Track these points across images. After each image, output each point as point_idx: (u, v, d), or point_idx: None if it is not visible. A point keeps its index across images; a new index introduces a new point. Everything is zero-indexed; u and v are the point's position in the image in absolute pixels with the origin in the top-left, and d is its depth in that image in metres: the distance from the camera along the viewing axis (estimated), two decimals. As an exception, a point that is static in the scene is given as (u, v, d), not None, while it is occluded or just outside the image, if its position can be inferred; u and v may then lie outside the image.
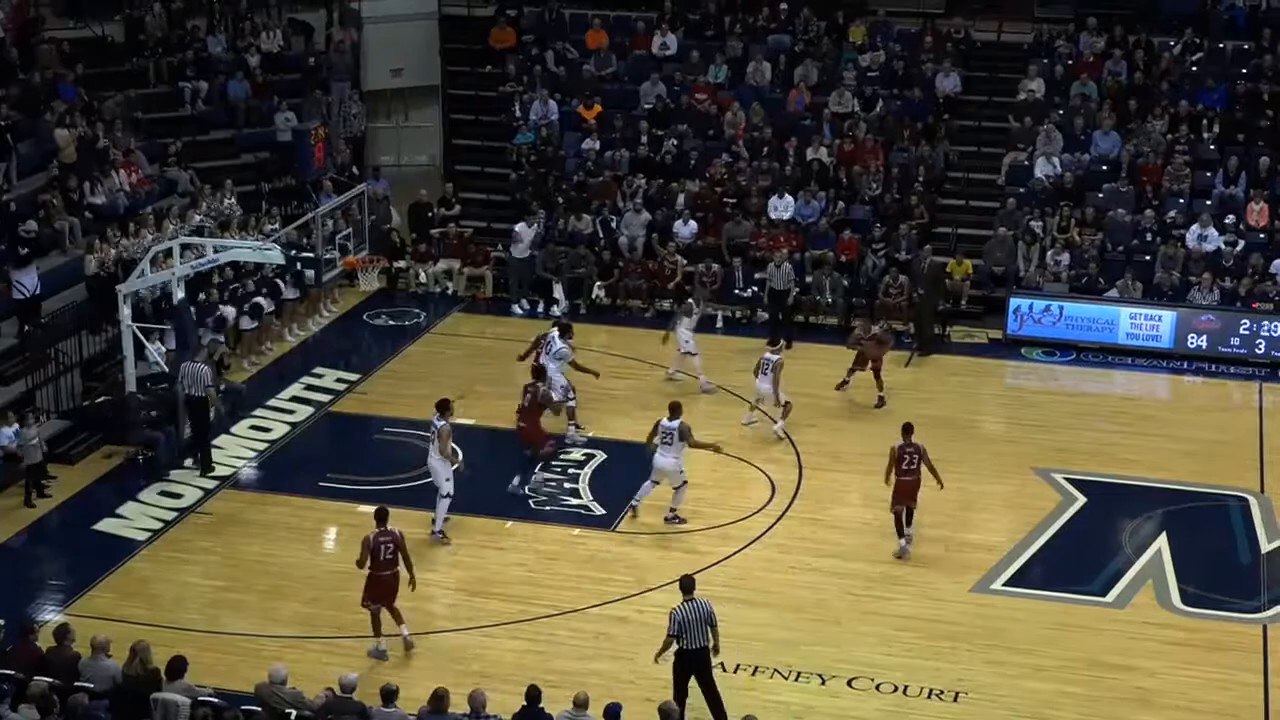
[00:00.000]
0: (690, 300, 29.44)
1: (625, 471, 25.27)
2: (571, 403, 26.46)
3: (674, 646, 18.55)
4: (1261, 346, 30.38)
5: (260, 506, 24.54)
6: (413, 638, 20.43)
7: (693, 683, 18.69)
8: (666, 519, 23.86)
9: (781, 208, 33.81)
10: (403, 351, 30.85)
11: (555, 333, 26.75)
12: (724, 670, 19.90)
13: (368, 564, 20.11)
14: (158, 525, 23.89)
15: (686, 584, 18.83)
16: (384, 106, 40.34)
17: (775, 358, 26.45)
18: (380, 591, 20.18)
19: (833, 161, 35.03)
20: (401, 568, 20.18)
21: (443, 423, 23.10)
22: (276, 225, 31.81)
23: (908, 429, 23.37)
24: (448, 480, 23.11)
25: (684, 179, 34.98)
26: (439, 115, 40.29)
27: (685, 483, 23.90)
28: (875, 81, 36.88)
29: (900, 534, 23.13)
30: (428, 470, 23.50)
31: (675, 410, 23.66)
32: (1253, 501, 24.91)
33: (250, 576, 22.43)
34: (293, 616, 21.28)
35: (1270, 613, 21.80)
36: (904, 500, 23.12)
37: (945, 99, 36.27)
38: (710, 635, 18.58)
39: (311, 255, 29.32)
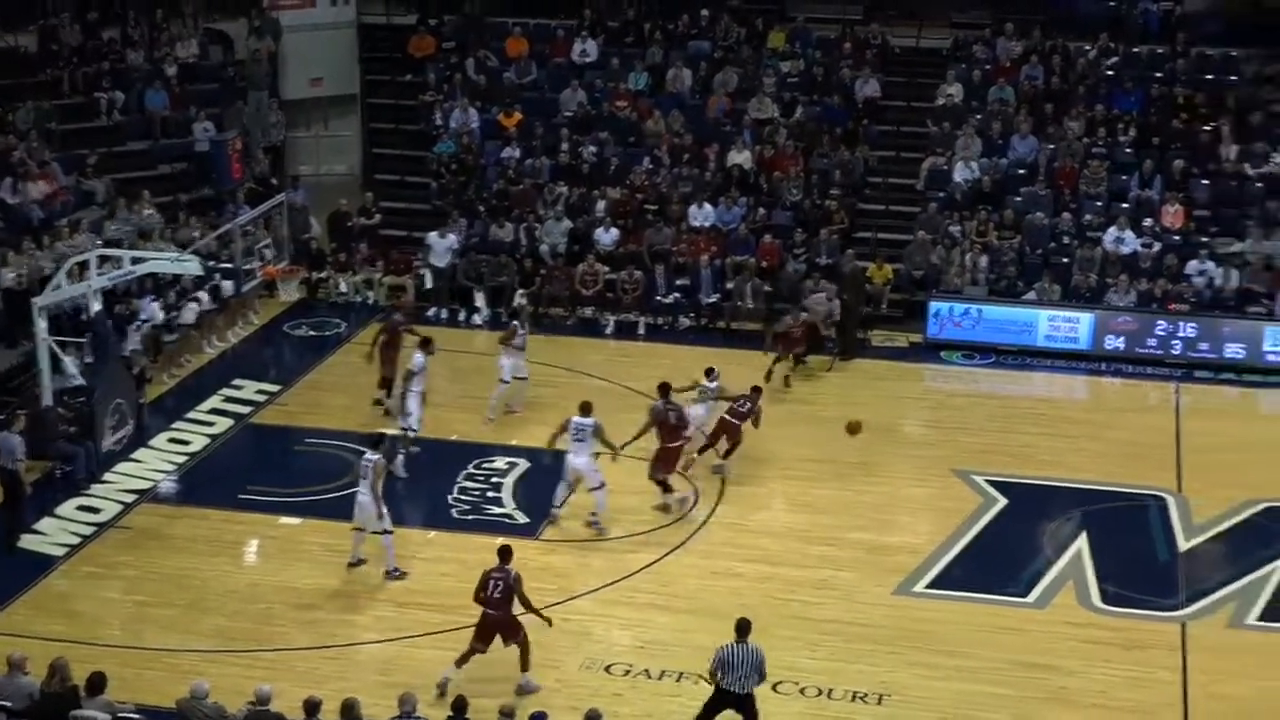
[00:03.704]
0: (514, 323, 28.41)
1: (548, 480, 25.29)
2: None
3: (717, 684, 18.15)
4: (1177, 347, 30.70)
5: (180, 520, 24.29)
6: (534, 683, 19.69)
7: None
8: (587, 523, 23.82)
9: (702, 214, 33.89)
10: (324, 362, 30.69)
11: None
12: (649, 677, 20.00)
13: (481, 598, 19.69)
14: (76, 540, 23.61)
15: (742, 626, 18.10)
16: (303, 116, 40.10)
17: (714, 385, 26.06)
18: (483, 630, 19.64)
19: (753, 168, 35.15)
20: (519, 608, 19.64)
21: (376, 457, 22.32)
22: (197, 234, 31.62)
23: (664, 389, 24.49)
24: (381, 518, 22.36)
25: (605, 186, 34.99)
26: (358, 124, 40.15)
27: (604, 485, 23.74)
28: (795, 87, 37.01)
29: (667, 490, 24.37)
30: (352, 483, 23.18)
31: (586, 409, 23.55)
32: (1170, 501, 25.15)
33: (170, 591, 22.21)
34: (214, 630, 21.10)
35: (1188, 611, 22.03)
36: (666, 469, 24.29)
37: (865, 104, 36.46)
38: (756, 682, 18.02)
39: (230, 266, 29.20)
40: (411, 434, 25.61)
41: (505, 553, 19.84)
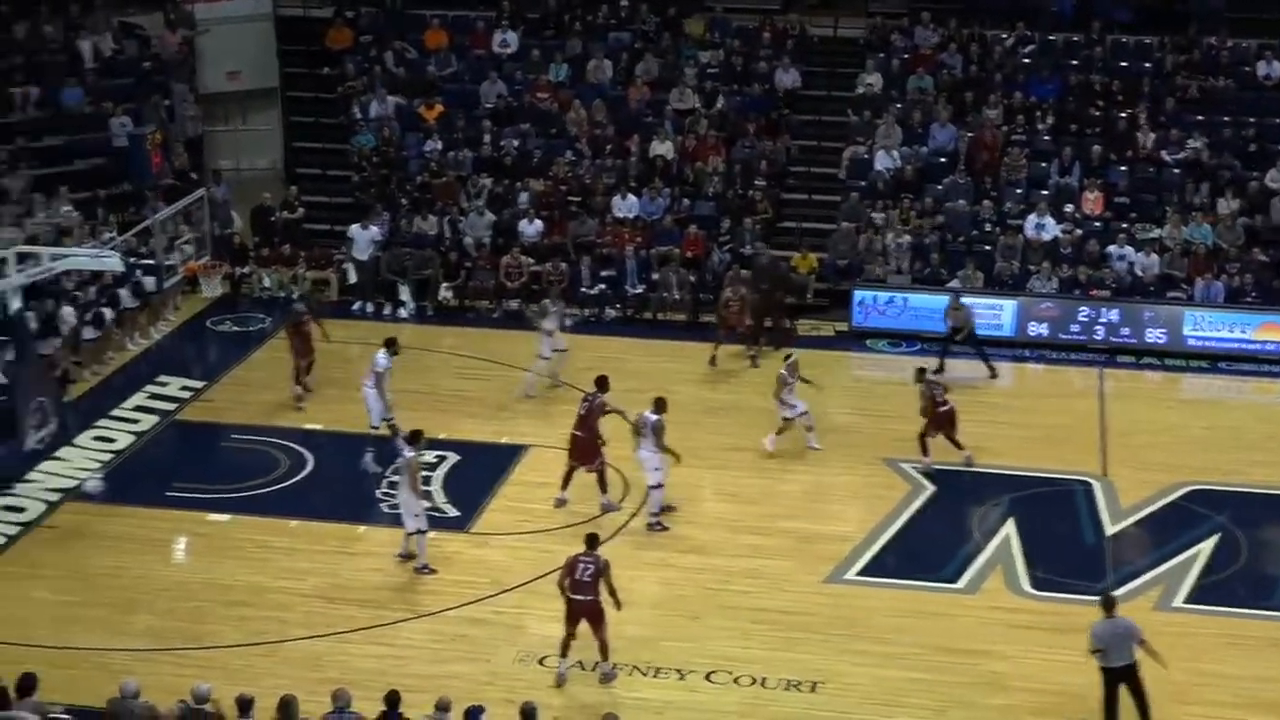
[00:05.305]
0: (546, 301, 29.00)
1: (478, 473, 25.25)
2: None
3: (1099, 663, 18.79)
4: (1100, 333, 31.01)
5: (107, 518, 24.02)
6: (614, 670, 20.01)
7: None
8: (648, 524, 23.73)
9: (625, 205, 33.89)
10: (248, 357, 30.45)
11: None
12: (582, 668, 19.99)
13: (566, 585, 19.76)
14: (1, 540, 23.36)
15: (1107, 602, 18.92)
16: (221, 110, 39.73)
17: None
18: (571, 615, 19.79)
19: (675, 158, 35.16)
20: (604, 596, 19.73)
21: (412, 454, 22.28)
22: (114, 234, 31.24)
23: (601, 382, 24.25)
24: (416, 516, 22.33)
25: (528, 178, 34.91)
26: (278, 118, 39.82)
27: (659, 485, 23.64)
28: (715, 77, 37.08)
29: (564, 485, 24.30)
30: (279, 479, 23.04)
31: (658, 405, 23.56)
32: (1096, 485, 25.39)
33: (98, 590, 22.00)
34: (144, 629, 20.94)
35: (1115, 594, 22.12)
36: (573, 458, 24.18)
37: (785, 94, 36.57)
38: (1136, 651, 18.61)
39: (152, 262, 28.88)
40: (374, 430, 25.59)
41: (593, 540, 20.02)
